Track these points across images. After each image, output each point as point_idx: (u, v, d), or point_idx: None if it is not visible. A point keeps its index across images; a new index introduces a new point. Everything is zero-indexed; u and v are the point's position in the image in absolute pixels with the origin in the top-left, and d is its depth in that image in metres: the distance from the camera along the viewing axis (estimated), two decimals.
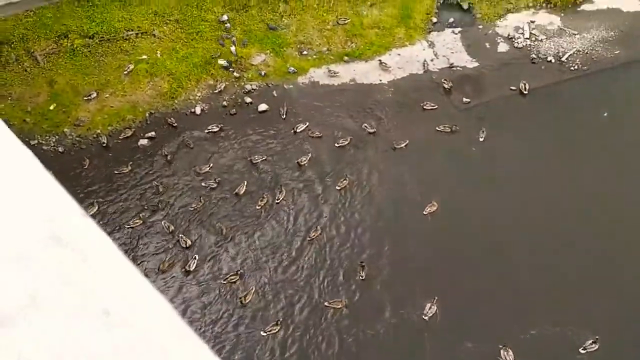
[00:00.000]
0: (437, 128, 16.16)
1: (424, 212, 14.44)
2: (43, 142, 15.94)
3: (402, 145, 15.80)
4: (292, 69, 17.71)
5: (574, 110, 16.69)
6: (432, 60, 18.08)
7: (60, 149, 15.92)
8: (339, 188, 15.05)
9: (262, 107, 16.91)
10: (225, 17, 18.53)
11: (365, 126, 16.27)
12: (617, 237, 13.97)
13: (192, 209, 14.73)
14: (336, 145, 15.98)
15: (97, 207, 14.69)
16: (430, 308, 12.60)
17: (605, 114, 16.00)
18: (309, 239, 14.14)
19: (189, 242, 13.99)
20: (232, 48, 17.90)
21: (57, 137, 16.13)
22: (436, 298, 12.81)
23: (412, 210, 14.60)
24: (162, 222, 14.42)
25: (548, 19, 19.08)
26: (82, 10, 18.31)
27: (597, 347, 11.90)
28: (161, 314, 1.50)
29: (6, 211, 1.55)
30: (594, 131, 16.13)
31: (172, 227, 14.30)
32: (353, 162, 15.63)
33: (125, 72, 17.10)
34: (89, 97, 16.67)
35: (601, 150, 15.63)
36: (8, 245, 1.49)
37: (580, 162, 15.49)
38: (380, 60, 17.92)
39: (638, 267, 13.43)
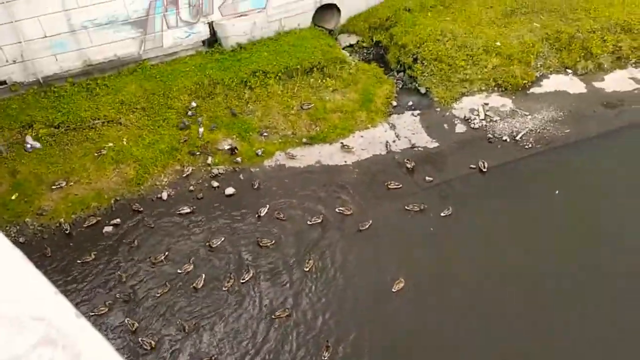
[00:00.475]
0: (406, 207, 16.44)
1: (393, 290, 14.43)
2: (3, 232, 15.46)
3: (367, 225, 15.90)
4: (260, 151, 18.05)
5: (530, 186, 17.30)
6: (394, 141, 18.71)
7: (21, 239, 15.52)
8: (306, 269, 14.97)
9: (229, 190, 17.01)
10: (193, 104, 18.99)
11: (333, 208, 16.44)
12: (571, 307, 14.12)
13: (156, 296, 14.33)
14: (303, 225, 16.04)
15: None
16: None
17: (557, 192, 16.59)
18: (274, 318, 13.82)
19: (152, 344, 13.42)
20: (200, 129, 18.25)
21: (18, 227, 15.78)
22: None
23: (378, 288, 14.55)
24: (125, 320, 13.87)
25: (501, 102, 20.16)
26: (47, 100, 18.51)
27: None
28: None
29: None
30: (548, 206, 16.67)
31: (135, 325, 13.77)
32: (317, 244, 15.64)
33: (96, 155, 17.09)
34: (57, 186, 16.52)
35: (555, 224, 16.10)
36: None
37: (536, 235, 15.87)
38: (342, 142, 18.43)
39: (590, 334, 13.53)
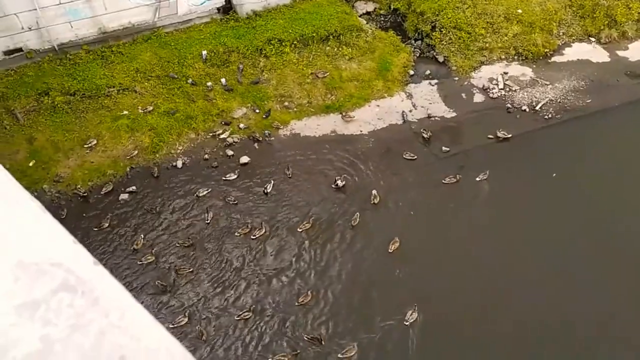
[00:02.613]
0: (443, 181, 16.21)
1: (389, 250, 14.51)
2: None
3: (377, 199, 15.74)
4: (276, 123, 17.94)
5: (550, 157, 17.04)
6: (410, 111, 18.47)
7: None
8: (300, 230, 15.04)
9: (244, 159, 16.96)
10: (204, 53, 18.88)
11: (346, 177, 16.32)
12: (581, 277, 13.98)
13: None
14: (312, 199, 16.00)
15: None
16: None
17: (555, 175, 16.28)
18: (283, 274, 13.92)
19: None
20: (223, 80, 18.43)
21: (35, 193, 15.86)
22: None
23: (378, 250, 14.55)
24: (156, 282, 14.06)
25: (521, 71, 19.76)
26: (63, 68, 18.45)
27: None
28: (176, 358, 1.44)
29: (14, 256, 1.50)
30: (567, 177, 16.40)
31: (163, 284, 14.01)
32: (338, 211, 15.60)
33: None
34: (89, 145, 16.77)
35: (574, 195, 15.88)
36: (17, 290, 1.44)
37: (556, 207, 15.69)
38: (343, 113, 18.20)
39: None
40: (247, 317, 13.37)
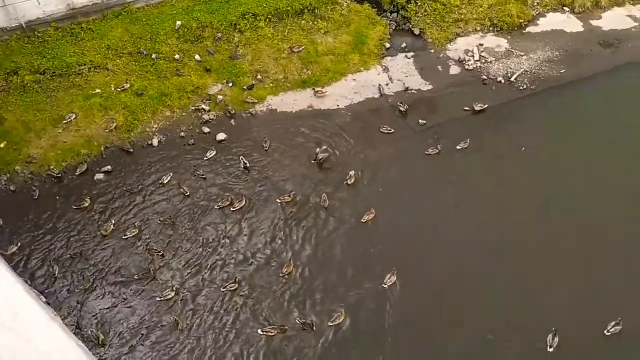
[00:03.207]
0: (426, 152, 16.34)
1: (362, 220, 14.73)
2: None
3: (353, 178, 15.75)
4: (251, 98, 17.76)
5: (525, 128, 17.16)
6: (387, 84, 18.40)
7: (12, 188, 15.41)
8: (279, 202, 15.19)
9: (221, 136, 16.81)
10: (178, 24, 18.63)
11: (325, 152, 16.29)
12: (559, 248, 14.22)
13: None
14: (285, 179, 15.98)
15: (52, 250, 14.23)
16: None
17: (524, 149, 16.39)
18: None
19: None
20: (197, 57, 18.28)
21: (8, 175, 15.63)
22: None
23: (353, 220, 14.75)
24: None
25: (496, 42, 19.75)
26: (32, 46, 17.99)
27: (620, 328, 12.25)
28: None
29: None
30: (542, 147, 16.57)
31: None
32: (316, 186, 15.60)
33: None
34: (68, 120, 16.54)
35: (550, 163, 16.06)
36: None
37: (533, 174, 15.86)
38: (314, 89, 18.08)
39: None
40: (233, 288, 13.47)
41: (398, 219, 14.91)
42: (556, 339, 12.06)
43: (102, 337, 12.45)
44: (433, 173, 16.01)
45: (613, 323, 12.04)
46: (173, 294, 13.38)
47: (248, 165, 15.99)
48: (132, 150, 16.28)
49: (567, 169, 15.92)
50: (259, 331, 12.74)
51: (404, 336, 12.74)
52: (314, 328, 12.72)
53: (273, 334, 12.66)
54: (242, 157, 16.17)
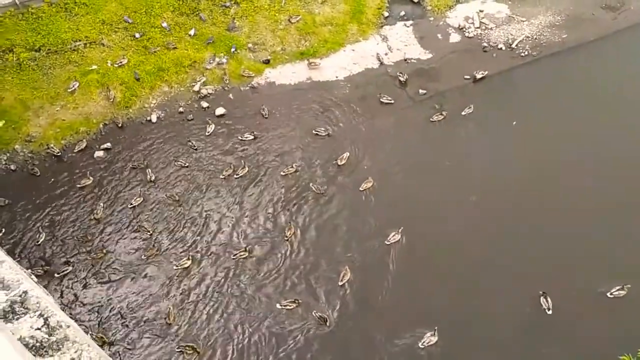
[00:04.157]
0: (431, 119, 16.32)
1: (360, 188, 14.75)
2: None
3: (349, 154, 15.62)
4: (247, 72, 17.58)
5: (526, 94, 17.01)
6: (386, 54, 18.18)
7: (12, 167, 15.39)
8: (283, 174, 15.21)
9: (220, 111, 16.70)
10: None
11: (320, 129, 16.19)
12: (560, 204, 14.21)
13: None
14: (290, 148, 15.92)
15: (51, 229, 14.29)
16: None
17: (515, 123, 16.21)
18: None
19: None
20: (192, 31, 18.07)
21: (8, 154, 15.58)
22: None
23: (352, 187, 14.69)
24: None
25: (496, 8, 19.43)
26: (26, 23, 17.74)
27: (624, 292, 12.30)
28: None
29: None
30: (543, 113, 16.45)
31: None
32: (317, 158, 15.57)
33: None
34: (73, 88, 16.51)
35: (553, 129, 15.96)
36: None
37: (534, 140, 15.78)
38: (309, 60, 17.85)
39: None
40: (244, 256, 13.62)
41: (400, 185, 14.92)
42: (549, 300, 12.10)
43: (105, 337, 12.44)
44: (439, 139, 15.93)
45: (617, 287, 12.12)
46: (189, 262, 13.53)
47: (248, 139, 15.93)
48: (121, 125, 16.26)
49: (569, 134, 15.82)
50: (277, 305, 12.83)
51: (404, 288, 12.95)
52: (328, 324, 12.58)
53: (292, 307, 12.79)
54: (243, 130, 16.13)
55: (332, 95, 17.19)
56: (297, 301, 12.69)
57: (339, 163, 15.36)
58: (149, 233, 14.05)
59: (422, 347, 11.73)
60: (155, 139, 16.16)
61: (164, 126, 16.45)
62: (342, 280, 13.05)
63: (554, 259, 13.16)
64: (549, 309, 12.07)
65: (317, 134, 16.08)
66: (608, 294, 12.16)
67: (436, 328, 11.79)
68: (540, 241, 13.54)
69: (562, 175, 14.93)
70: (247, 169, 15.22)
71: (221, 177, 15.18)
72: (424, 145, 15.91)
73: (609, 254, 13.20)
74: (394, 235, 13.66)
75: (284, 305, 12.70)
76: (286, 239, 13.92)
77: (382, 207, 14.44)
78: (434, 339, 11.70)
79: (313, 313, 12.62)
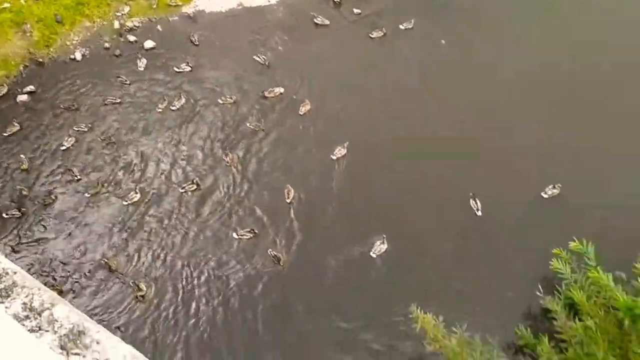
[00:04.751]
0: (370, 35, 15.99)
1: (300, 112, 14.49)
2: None
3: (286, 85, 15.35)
4: (174, 1, 16.71)
5: (461, 8, 16.90)
6: None
7: None
8: (221, 102, 14.75)
9: (149, 44, 15.92)
10: None
11: (257, 57, 15.71)
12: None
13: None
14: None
15: None
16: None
17: (443, 41, 16.10)
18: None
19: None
20: None
21: None
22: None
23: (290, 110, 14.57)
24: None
25: None
26: None
27: (558, 191, 12.58)
28: None
29: None
30: (488, 26, 16.36)
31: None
32: (256, 85, 15.18)
33: None
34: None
35: (494, 41, 15.97)
36: None
37: (473, 53, 15.81)
38: None
39: None
40: (192, 189, 13.20)
41: (339, 103, 14.76)
42: (478, 202, 12.45)
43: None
44: (378, 56, 15.74)
45: (551, 186, 12.54)
46: (138, 195, 13.07)
47: (185, 70, 15.33)
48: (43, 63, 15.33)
49: (510, 41, 15.85)
50: (234, 235, 12.53)
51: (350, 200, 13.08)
52: (281, 264, 12.21)
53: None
54: (177, 61, 15.46)
55: (266, 20, 16.62)
56: (253, 231, 12.52)
57: (276, 92, 14.94)
58: (77, 178, 13.41)
59: (374, 255, 11.89)
60: (82, 78, 15.31)
61: (91, 64, 15.59)
62: (288, 198, 12.94)
63: (488, 165, 13.33)
64: (478, 210, 12.39)
65: (256, 60, 15.58)
66: (542, 194, 12.52)
67: (384, 236, 11.95)
68: (474, 150, 13.62)
69: (499, 86, 15.01)
70: (183, 99, 14.68)
71: (158, 110, 14.60)
72: (363, 63, 15.68)
73: (541, 159, 13.47)
74: (339, 150, 13.58)
75: (241, 235, 12.49)
76: (227, 164, 13.58)
77: (323, 129, 14.27)
78: (385, 246, 11.89)
79: (269, 252, 12.29)
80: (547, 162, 13.24)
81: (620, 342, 8.60)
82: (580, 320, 8.89)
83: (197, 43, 15.86)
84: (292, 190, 13.03)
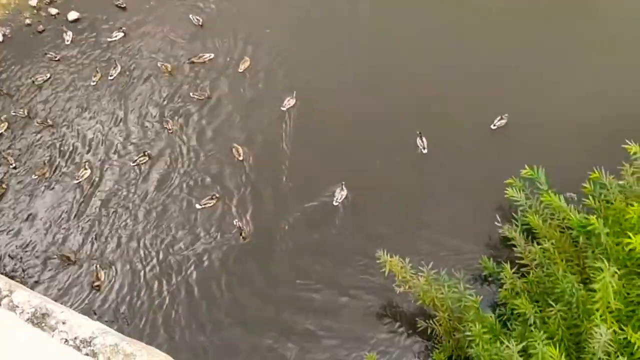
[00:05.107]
0: None
1: (239, 70, 14.12)
2: None
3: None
4: None
5: None
6: None
7: None
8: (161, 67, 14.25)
9: (72, 15, 15.07)
10: None
11: (191, 17, 15.11)
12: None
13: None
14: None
15: None
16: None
17: None
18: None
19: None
20: None
21: None
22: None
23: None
24: None
25: None
26: None
27: (505, 121, 12.58)
28: None
29: None
30: None
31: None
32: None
33: None
34: None
35: None
36: None
37: None
38: None
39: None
40: (144, 161, 12.75)
41: (279, 56, 14.39)
42: (424, 140, 12.55)
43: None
44: None
45: (498, 117, 12.70)
46: (89, 171, 12.60)
47: (118, 37, 14.69)
48: None
49: None
50: (197, 206, 12.12)
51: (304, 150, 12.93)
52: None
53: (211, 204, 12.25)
54: (108, 30, 14.75)
55: None
56: (214, 197, 12.22)
57: (206, 57, 14.36)
58: (12, 166, 12.81)
59: (336, 203, 11.87)
60: (6, 60, 14.46)
61: (14, 44, 14.73)
62: (240, 157, 12.65)
63: (436, 101, 13.25)
64: (424, 148, 12.53)
65: (190, 20, 15.00)
66: (491, 126, 12.66)
67: (343, 183, 11.92)
68: (420, 87, 13.54)
69: (442, 17, 14.85)
70: (119, 67, 14.05)
71: (91, 84, 13.95)
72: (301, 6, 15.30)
73: (487, 90, 13.58)
74: (289, 100, 13.32)
75: (204, 205, 12.15)
76: (170, 132, 13.16)
77: (267, 82, 13.94)
78: (344, 192, 11.89)
79: (234, 222, 11.90)
80: (492, 94, 13.31)
81: (577, 259, 9.04)
82: (538, 244, 9.29)
83: (124, 6, 15.07)
84: (241, 148, 12.72)
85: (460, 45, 14.25)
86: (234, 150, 12.70)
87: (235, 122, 13.37)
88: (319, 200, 12.07)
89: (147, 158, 12.78)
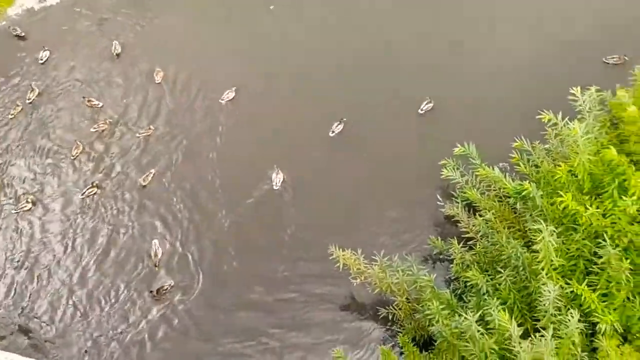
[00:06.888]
0: None
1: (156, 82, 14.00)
2: None
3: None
4: None
5: None
6: None
7: None
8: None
9: None
10: None
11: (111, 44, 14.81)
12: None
13: None
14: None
15: None
16: None
17: (272, 7, 15.72)
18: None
19: None
20: None
21: None
22: None
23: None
24: None
25: None
26: None
27: (432, 105, 12.86)
28: None
29: None
30: None
31: None
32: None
33: None
34: None
35: None
36: None
37: None
38: None
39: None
40: (93, 192, 12.35)
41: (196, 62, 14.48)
42: (340, 126, 12.80)
43: None
44: None
45: (425, 102, 13.04)
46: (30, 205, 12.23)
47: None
48: None
49: None
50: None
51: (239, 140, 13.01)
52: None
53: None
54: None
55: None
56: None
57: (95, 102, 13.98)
58: None
59: (276, 187, 12.03)
60: None
61: None
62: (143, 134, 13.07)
63: (362, 89, 13.51)
64: (333, 133, 12.77)
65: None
66: (419, 111, 12.98)
67: (276, 167, 12.11)
68: (342, 76, 13.83)
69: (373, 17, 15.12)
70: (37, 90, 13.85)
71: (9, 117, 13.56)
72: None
73: (410, 76, 13.92)
74: (228, 94, 13.57)
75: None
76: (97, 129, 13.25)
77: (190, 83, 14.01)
78: (281, 176, 12.06)
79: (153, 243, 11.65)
80: (417, 78, 13.64)
81: (518, 224, 9.46)
82: (480, 216, 9.65)
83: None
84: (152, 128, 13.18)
85: (379, 33, 14.56)
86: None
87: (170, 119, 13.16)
88: (264, 187, 12.10)
89: (96, 189, 12.39)
